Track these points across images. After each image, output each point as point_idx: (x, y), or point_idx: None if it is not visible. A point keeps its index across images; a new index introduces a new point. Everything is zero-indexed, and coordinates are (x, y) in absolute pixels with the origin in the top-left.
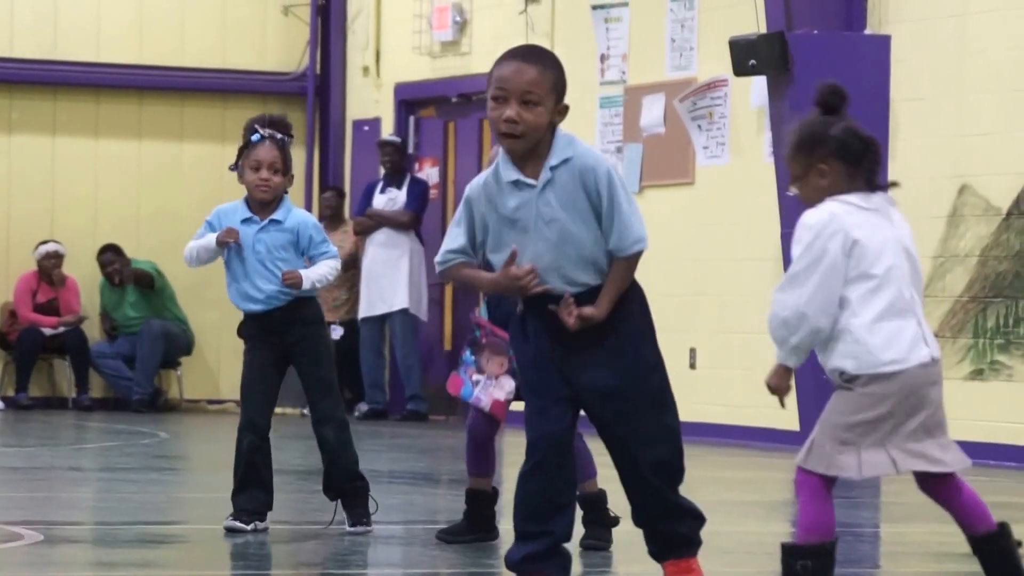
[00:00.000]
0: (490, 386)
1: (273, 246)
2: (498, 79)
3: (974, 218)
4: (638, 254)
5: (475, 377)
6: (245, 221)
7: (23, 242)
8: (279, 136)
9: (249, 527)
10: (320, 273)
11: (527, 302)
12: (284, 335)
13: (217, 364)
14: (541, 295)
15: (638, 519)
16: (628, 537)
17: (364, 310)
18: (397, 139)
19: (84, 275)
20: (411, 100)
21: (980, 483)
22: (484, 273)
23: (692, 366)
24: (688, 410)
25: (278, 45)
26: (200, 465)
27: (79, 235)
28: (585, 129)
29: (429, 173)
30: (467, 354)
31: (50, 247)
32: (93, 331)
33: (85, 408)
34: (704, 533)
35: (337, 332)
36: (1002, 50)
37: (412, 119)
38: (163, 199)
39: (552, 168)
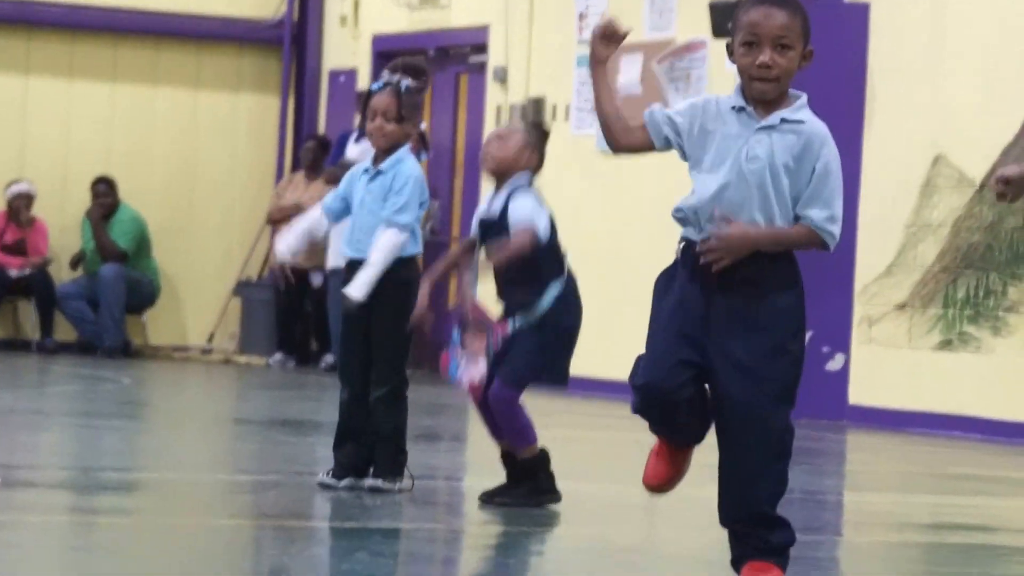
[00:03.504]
0: (470, 365)
1: (375, 196)
2: (749, 24)
3: (948, 189)
4: (822, 236)
5: (459, 355)
6: (364, 172)
7: None
8: (401, 82)
9: (341, 483)
10: (371, 262)
11: (683, 256)
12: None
13: (184, 311)
14: (693, 247)
15: (726, 520)
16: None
17: (332, 261)
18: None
19: (52, 216)
20: (388, 52)
21: (946, 454)
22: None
23: None
24: None
25: None
26: (163, 413)
27: (49, 176)
28: (562, 87)
29: None
30: (456, 333)
31: (22, 187)
32: (60, 273)
33: (49, 351)
34: (656, 499)
35: (317, 278)
36: (981, 22)
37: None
38: (135, 143)
39: (783, 119)
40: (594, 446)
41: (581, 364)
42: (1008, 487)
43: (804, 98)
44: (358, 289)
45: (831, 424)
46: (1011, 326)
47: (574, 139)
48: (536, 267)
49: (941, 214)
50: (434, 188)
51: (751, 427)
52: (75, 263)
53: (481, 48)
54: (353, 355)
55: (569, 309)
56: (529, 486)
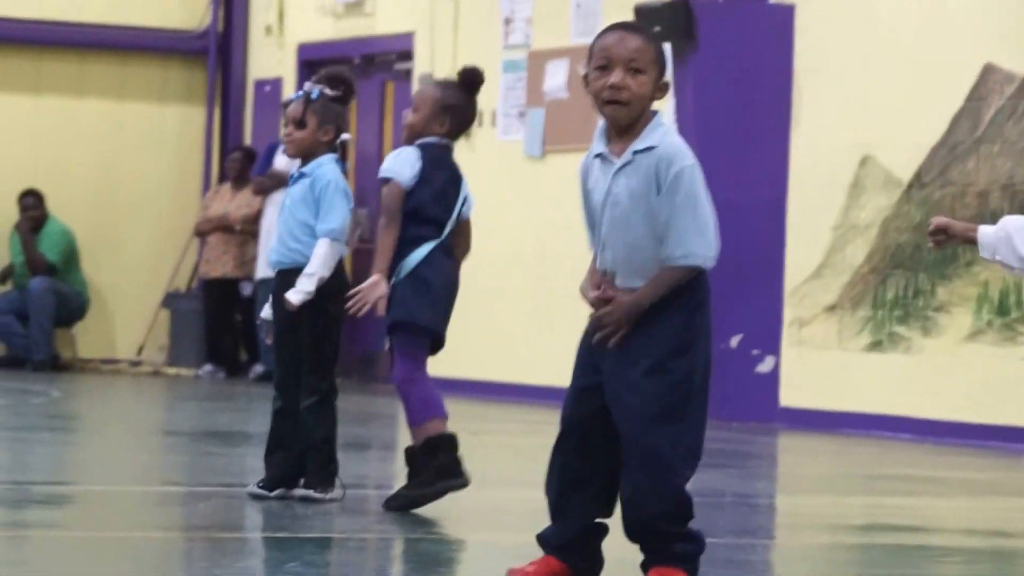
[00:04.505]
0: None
1: (295, 200)
2: (602, 48)
3: (875, 189)
4: (687, 268)
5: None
6: (291, 178)
7: None
8: (314, 90)
9: (272, 493)
10: (311, 270)
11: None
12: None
13: (113, 324)
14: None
15: (627, 535)
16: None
17: (261, 271)
18: None
19: None
20: (313, 60)
21: (877, 455)
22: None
23: None
24: None
25: (180, 2)
26: (92, 426)
27: None
28: (488, 93)
29: None
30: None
31: None
32: None
33: None
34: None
35: (247, 288)
36: (907, 21)
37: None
38: (61, 155)
39: (635, 152)
40: (525, 452)
41: (509, 369)
42: (939, 487)
43: (658, 118)
44: (295, 295)
45: (762, 427)
46: (941, 326)
47: (500, 144)
48: (406, 227)
49: (869, 215)
50: (363, 195)
51: (633, 447)
52: (4, 277)
53: (407, 55)
54: (286, 365)
55: (433, 265)
56: (430, 469)
